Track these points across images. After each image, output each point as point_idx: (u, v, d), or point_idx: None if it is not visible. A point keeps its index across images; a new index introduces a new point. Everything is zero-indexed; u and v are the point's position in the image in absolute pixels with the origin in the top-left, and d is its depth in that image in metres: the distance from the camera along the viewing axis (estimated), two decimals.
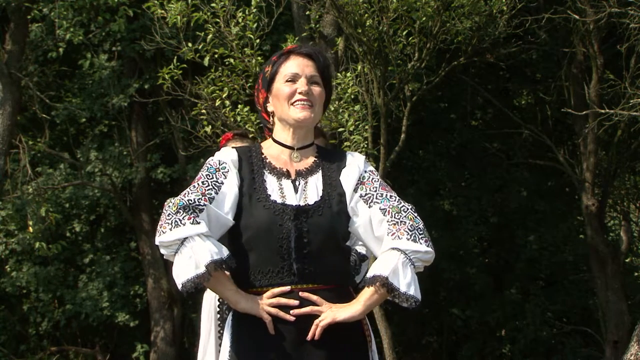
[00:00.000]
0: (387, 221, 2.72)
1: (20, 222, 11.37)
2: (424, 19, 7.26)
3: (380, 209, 2.74)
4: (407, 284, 2.64)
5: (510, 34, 8.87)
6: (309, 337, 2.63)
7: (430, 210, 12.62)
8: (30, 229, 10.88)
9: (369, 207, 2.75)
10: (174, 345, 12.16)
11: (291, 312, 2.63)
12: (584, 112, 9.50)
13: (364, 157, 2.89)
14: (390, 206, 2.74)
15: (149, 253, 12.18)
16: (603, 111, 8.58)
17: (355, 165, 2.82)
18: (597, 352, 11.94)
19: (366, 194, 2.77)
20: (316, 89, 2.79)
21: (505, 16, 7.87)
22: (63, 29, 10.19)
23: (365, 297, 2.67)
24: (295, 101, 2.76)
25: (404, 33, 7.37)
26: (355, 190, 2.78)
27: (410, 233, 2.69)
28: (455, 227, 12.42)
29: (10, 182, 10.92)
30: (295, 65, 2.79)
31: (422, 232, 2.71)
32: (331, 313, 2.64)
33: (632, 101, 7.95)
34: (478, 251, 13.47)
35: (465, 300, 12.90)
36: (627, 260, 14.60)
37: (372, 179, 2.81)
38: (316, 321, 2.64)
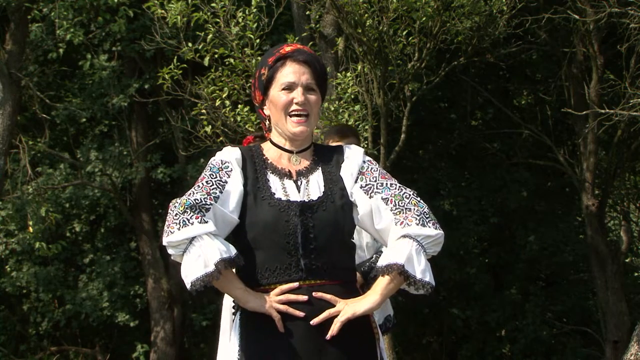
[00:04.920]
0: (391, 210, 2.72)
1: (20, 222, 11.37)
2: (424, 19, 7.25)
3: (382, 198, 2.75)
4: (422, 270, 2.64)
5: (510, 34, 8.87)
6: (328, 335, 2.62)
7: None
8: (30, 229, 10.87)
9: (370, 197, 2.76)
10: (174, 345, 12.16)
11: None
12: (584, 112, 9.50)
13: (362, 149, 2.89)
14: (392, 195, 2.76)
15: (149, 253, 12.18)
16: (603, 111, 8.58)
17: (353, 157, 2.83)
18: (597, 352, 11.94)
19: (366, 185, 2.78)
20: (312, 97, 2.79)
21: (505, 16, 7.86)
22: (63, 29, 10.18)
23: (382, 286, 2.66)
24: (291, 112, 2.77)
25: (404, 33, 7.36)
26: (355, 182, 2.79)
27: (418, 218, 2.71)
28: (455, 227, 12.40)
29: (10, 182, 10.91)
30: (292, 73, 2.78)
31: (428, 215, 2.74)
32: (350, 308, 2.63)
33: (632, 101, 7.94)
34: (478, 251, 13.45)
35: (465, 300, 12.90)
36: (627, 260, 14.59)
37: (372, 168, 2.82)
38: (337, 318, 2.62)
